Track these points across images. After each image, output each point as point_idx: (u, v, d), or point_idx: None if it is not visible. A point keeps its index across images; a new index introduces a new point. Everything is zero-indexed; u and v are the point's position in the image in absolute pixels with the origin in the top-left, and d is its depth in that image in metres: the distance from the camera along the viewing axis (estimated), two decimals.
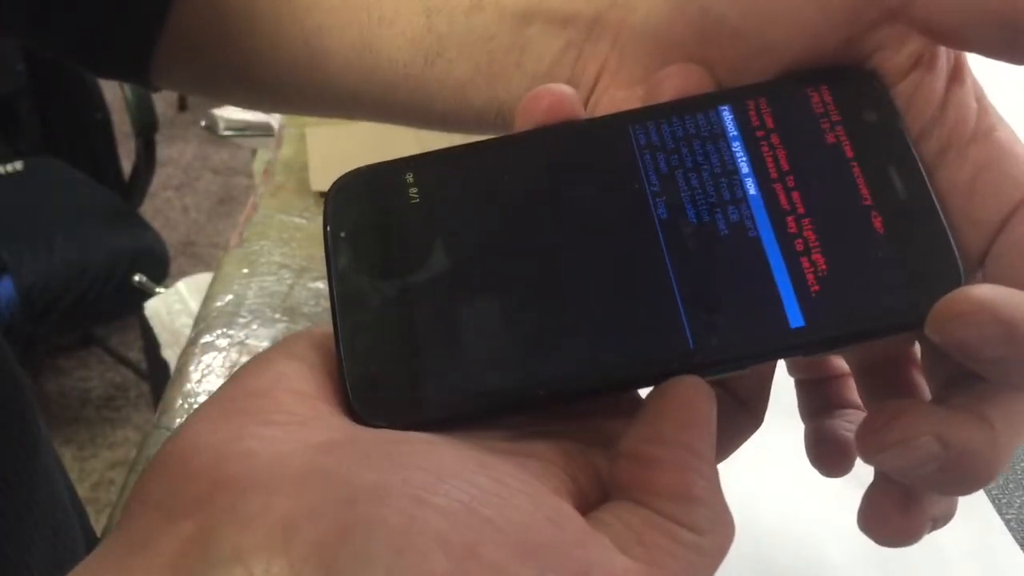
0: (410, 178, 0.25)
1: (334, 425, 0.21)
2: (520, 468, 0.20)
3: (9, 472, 0.34)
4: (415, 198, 0.25)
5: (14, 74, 1.71)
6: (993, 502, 0.49)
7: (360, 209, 0.25)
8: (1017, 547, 0.48)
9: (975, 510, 0.49)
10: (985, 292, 0.21)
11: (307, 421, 0.20)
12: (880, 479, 0.25)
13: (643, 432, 0.22)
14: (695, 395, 0.22)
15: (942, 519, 0.25)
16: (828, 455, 0.29)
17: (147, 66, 0.36)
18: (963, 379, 0.23)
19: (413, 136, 0.83)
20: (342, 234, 0.24)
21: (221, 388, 0.21)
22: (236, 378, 0.22)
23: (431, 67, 0.31)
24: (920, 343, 0.27)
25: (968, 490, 0.23)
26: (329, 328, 0.23)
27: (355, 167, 0.26)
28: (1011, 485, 0.50)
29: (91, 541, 0.47)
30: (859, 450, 0.24)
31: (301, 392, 0.21)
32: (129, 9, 0.35)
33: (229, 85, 0.37)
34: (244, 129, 1.50)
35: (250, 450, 0.19)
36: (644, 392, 0.24)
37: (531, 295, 0.23)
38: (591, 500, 0.21)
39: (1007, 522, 0.49)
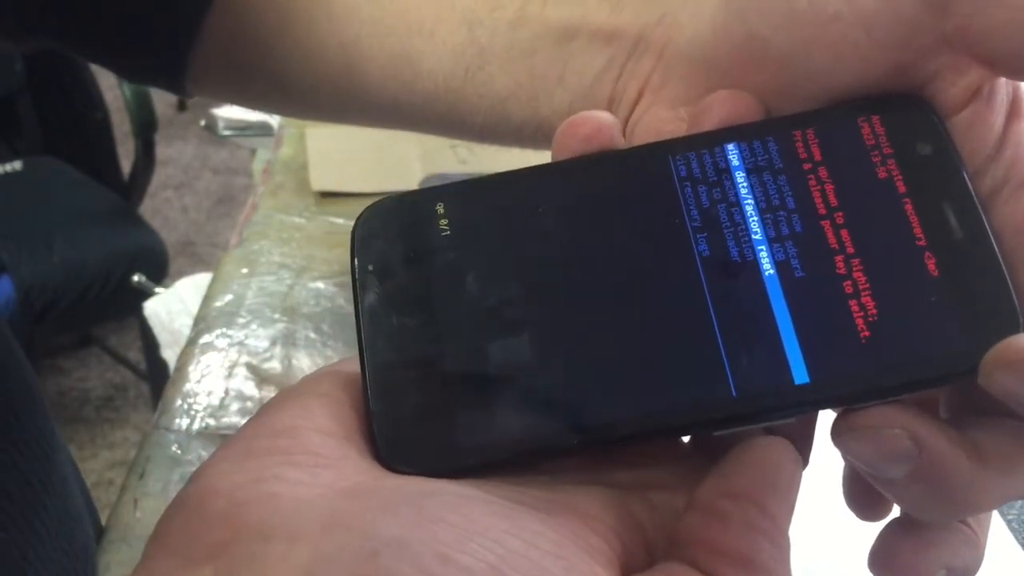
0: (440, 209, 0.24)
1: (361, 469, 0.20)
2: (554, 528, 0.19)
3: (22, 482, 0.33)
4: (446, 230, 0.23)
5: (14, 74, 1.71)
6: None
7: (388, 241, 0.24)
8: (1018, 547, 0.48)
9: None
10: None
11: (333, 463, 0.20)
12: (897, 520, 0.24)
13: (717, 484, 0.21)
14: (780, 457, 0.21)
15: (961, 572, 0.23)
16: (864, 497, 0.27)
17: (182, 73, 0.36)
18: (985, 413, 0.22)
19: (414, 139, 0.83)
20: (370, 267, 0.23)
21: (247, 424, 0.21)
22: (262, 414, 0.21)
23: (471, 80, 0.31)
24: None
25: (942, 512, 0.22)
26: (358, 365, 0.22)
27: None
28: None
29: (98, 540, 0.46)
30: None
31: (328, 431, 0.21)
32: (164, 15, 0.34)
33: (265, 93, 0.37)
34: (244, 129, 1.50)
35: (273, 493, 0.18)
36: (686, 437, 0.24)
37: (568, 335, 0.22)
38: (634, 555, 0.20)
39: (1008, 523, 0.49)
